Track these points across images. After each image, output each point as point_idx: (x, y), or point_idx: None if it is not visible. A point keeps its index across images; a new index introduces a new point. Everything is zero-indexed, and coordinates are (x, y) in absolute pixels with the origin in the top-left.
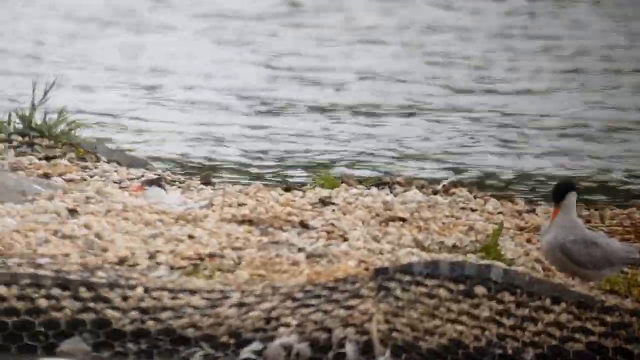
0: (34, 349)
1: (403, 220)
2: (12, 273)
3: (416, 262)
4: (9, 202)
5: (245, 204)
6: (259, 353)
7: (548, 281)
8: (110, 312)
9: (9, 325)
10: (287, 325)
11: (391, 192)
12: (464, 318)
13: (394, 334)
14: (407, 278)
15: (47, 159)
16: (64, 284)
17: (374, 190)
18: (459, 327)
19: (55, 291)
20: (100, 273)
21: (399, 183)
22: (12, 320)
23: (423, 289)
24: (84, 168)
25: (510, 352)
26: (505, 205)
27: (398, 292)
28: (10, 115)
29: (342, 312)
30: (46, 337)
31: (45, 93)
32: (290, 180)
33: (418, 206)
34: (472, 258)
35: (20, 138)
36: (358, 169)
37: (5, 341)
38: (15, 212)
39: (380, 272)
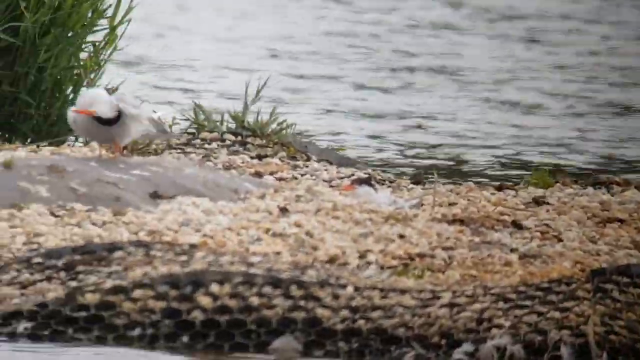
0: (245, 347)
1: (621, 221)
2: (225, 271)
3: (635, 264)
4: (221, 200)
5: (456, 204)
6: (471, 354)
7: None
8: (320, 311)
9: (221, 323)
10: (500, 326)
11: (608, 192)
12: None
13: (612, 337)
14: (625, 280)
15: (259, 157)
16: (275, 283)
17: (590, 190)
18: None
19: (267, 289)
20: (310, 272)
21: (616, 183)
22: (224, 318)
23: None
24: (295, 167)
25: None
26: None
27: (615, 293)
28: (223, 115)
29: (557, 314)
30: (258, 335)
31: (258, 92)
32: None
33: (637, 207)
34: None
35: (232, 137)
36: None
37: (218, 339)
38: (228, 210)
39: (596, 273)
